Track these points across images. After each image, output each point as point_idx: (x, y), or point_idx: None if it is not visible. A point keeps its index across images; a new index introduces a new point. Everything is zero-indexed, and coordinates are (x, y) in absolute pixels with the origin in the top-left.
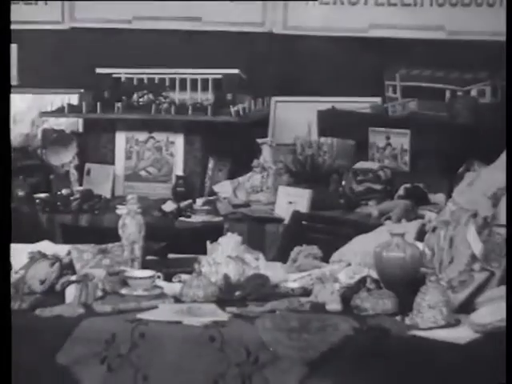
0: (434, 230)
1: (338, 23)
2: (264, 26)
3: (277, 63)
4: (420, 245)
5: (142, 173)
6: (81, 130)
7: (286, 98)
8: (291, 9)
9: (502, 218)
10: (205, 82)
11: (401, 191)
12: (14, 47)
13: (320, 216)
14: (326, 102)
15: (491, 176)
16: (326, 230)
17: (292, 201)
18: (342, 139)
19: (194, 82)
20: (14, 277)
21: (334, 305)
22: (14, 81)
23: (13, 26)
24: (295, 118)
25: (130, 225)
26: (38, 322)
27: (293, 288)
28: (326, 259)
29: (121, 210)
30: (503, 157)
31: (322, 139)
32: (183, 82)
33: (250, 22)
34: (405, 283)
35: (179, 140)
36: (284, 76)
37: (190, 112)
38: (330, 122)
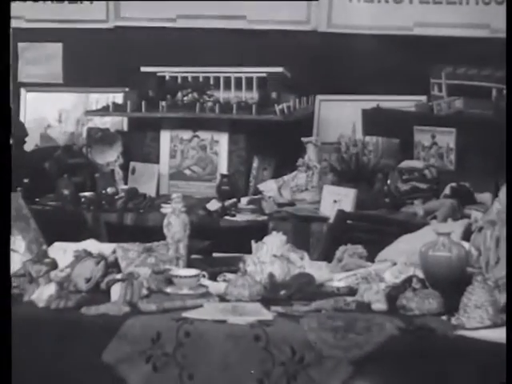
0: (480, 229)
1: (382, 21)
2: (309, 25)
3: (321, 61)
4: (466, 244)
5: (187, 171)
6: (125, 128)
7: (330, 97)
8: (336, 7)
9: None
10: (249, 80)
11: (447, 190)
12: (59, 46)
13: (365, 215)
14: (370, 101)
15: None
16: (371, 229)
17: (337, 200)
18: (387, 138)
19: (239, 80)
20: (59, 275)
21: (380, 304)
22: (59, 79)
23: (58, 25)
24: (340, 116)
25: (175, 223)
26: (83, 320)
27: (338, 287)
28: (371, 259)
29: (166, 208)
30: None
31: (367, 138)
32: (228, 80)
33: (294, 20)
34: (451, 283)
35: (224, 139)
36: (329, 74)
37: (234, 111)
38: (374, 121)
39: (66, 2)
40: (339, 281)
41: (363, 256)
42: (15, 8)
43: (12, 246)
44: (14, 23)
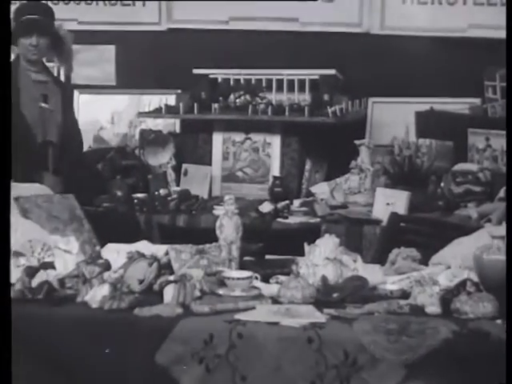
0: None
1: (436, 23)
2: (361, 27)
3: (374, 63)
4: None
5: (239, 173)
6: (178, 130)
7: (383, 99)
8: (389, 9)
9: None
10: (302, 82)
11: (501, 193)
12: (112, 48)
13: (418, 218)
14: (424, 103)
15: None
16: (424, 232)
17: (390, 202)
18: (441, 140)
19: (291, 82)
20: (112, 276)
21: (434, 308)
22: (112, 81)
23: (111, 27)
24: (393, 119)
25: (228, 225)
26: (136, 321)
27: (391, 290)
28: (424, 262)
29: (218, 210)
30: None
31: (421, 140)
32: (280, 82)
33: (346, 22)
34: (505, 286)
35: (276, 141)
36: (381, 76)
37: (286, 113)
38: (428, 123)
39: (119, 4)
40: (392, 284)
41: (417, 259)
42: (68, 10)
43: (65, 247)
44: (66, 25)
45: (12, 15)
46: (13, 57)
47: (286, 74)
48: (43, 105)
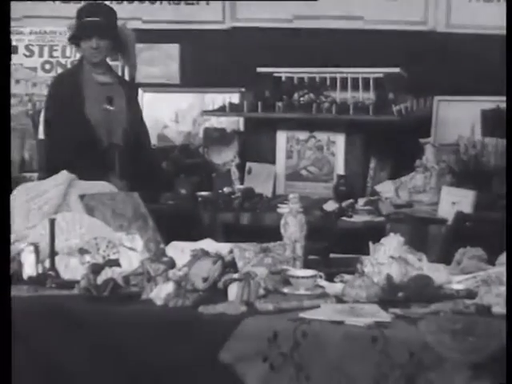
0: None
1: (502, 21)
2: (426, 25)
3: (439, 62)
4: None
5: (303, 172)
6: (242, 128)
7: (448, 98)
8: (454, 6)
9: None
10: (366, 81)
11: None
12: (176, 47)
13: (484, 217)
14: (490, 102)
15: None
16: (490, 231)
17: (455, 201)
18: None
19: (355, 81)
20: (177, 274)
21: (500, 308)
22: (176, 80)
23: (175, 26)
24: (458, 117)
25: (292, 224)
26: (200, 319)
27: (457, 290)
28: (491, 261)
29: (283, 208)
30: None
31: (487, 139)
32: (344, 81)
33: (412, 20)
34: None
35: (340, 139)
36: (447, 75)
37: (351, 111)
38: (494, 122)
39: (183, 3)
40: (458, 283)
41: (483, 259)
42: (133, 9)
43: (130, 245)
44: (131, 24)
45: (74, 17)
46: (76, 59)
47: (351, 72)
48: (108, 107)
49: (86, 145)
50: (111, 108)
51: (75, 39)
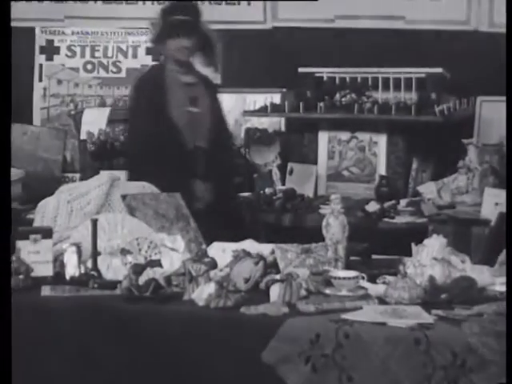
0: None
1: None
2: (469, 24)
3: (482, 62)
4: None
5: (345, 172)
6: (283, 129)
7: (491, 98)
8: (497, 6)
9: None
10: (408, 81)
11: None
12: (218, 47)
13: None
14: None
15: None
16: None
17: (499, 202)
18: None
19: (397, 81)
20: (218, 274)
21: None
22: (217, 80)
23: (216, 26)
24: (501, 117)
25: (334, 225)
26: (242, 319)
27: (501, 292)
28: None
29: (324, 209)
30: None
31: None
32: (386, 81)
33: (454, 20)
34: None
35: (382, 140)
36: (490, 75)
37: (393, 112)
38: None
39: (224, 4)
40: (502, 285)
41: None
42: (143, 10)
43: (172, 245)
44: None
45: (158, 16)
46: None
47: (392, 72)
48: (191, 109)
49: (170, 148)
50: (195, 110)
51: (161, 38)
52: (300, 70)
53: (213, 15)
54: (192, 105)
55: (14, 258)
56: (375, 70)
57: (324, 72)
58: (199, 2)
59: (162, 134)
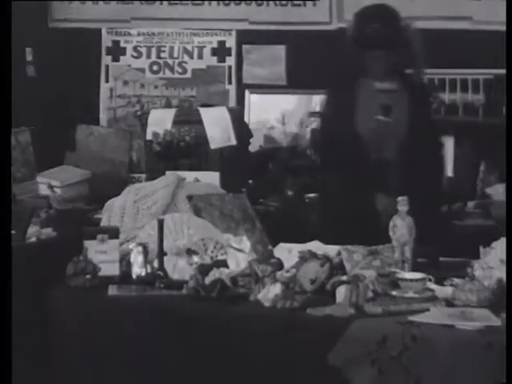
0: None
1: None
2: None
3: None
4: None
5: None
6: None
7: None
8: None
9: None
10: (475, 82)
11: None
12: (282, 48)
13: None
14: None
15: None
16: None
17: None
18: None
19: (464, 82)
20: (285, 275)
21: None
22: (282, 81)
23: (281, 27)
24: None
25: (401, 226)
26: (308, 320)
27: None
28: None
29: None
30: None
31: None
32: (453, 82)
33: None
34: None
35: (449, 141)
36: None
37: (460, 113)
38: None
39: (290, 4)
40: None
41: None
42: (239, 11)
43: (238, 246)
44: (237, 25)
45: (353, 22)
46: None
47: (459, 73)
48: (382, 118)
49: (353, 158)
50: (386, 119)
51: (357, 45)
52: None
53: (278, 16)
54: (384, 114)
55: (81, 257)
56: (442, 70)
57: None
58: (236, 4)
59: (347, 144)
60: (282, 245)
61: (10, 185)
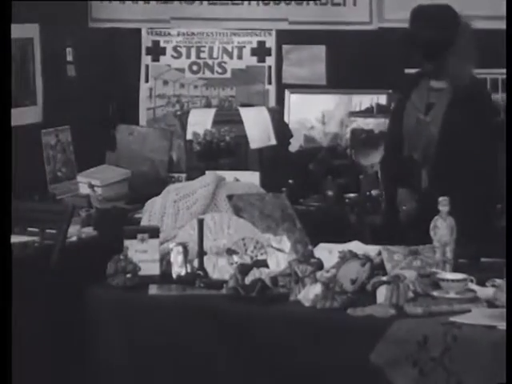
0: None
1: None
2: None
3: None
4: None
5: None
6: None
7: None
8: None
9: None
10: None
11: None
12: (322, 48)
13: None
14: None
15: None
16: None
17: None
18: None
19: None
20: (325, 276)
21: None
22: (322, 81)
23: (321, 27)
24: None
25: (442, 227)
26: (349, 321)
27: None
28: None
29: None
30: None
31: None
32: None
33: None
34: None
35: None
36: None
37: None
38: None
39: (330, 4)
40: None
41: None
42: (279, 11)
43: (278, 246)
44: (277, 25)
45: (411, 20)
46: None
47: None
48: (422, 117)
49: (388, 153)
50: (426, 119)
51: (414, 45)
52: (406, 70)
53: (318, 16)
54: (425, 112)
55: (121, 256)
56: (494, 70)
57: None
58: (275, 4)
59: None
60: (322, 245)
61: (10, 185)
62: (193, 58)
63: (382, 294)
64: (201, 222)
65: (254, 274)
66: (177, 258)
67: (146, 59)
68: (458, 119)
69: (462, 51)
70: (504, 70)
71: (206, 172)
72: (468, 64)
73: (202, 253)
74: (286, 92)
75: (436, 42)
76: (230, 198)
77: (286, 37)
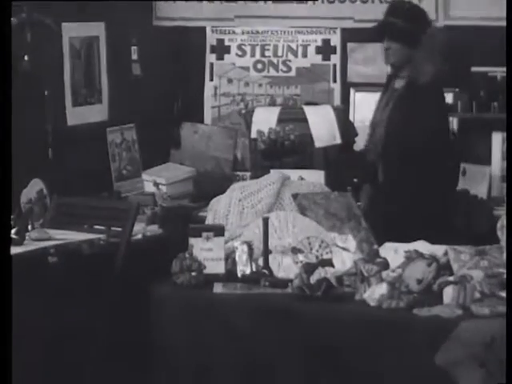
0: None
1: None
2: None
3: None
4: None
5: None
6: (456, 129)
7: None
8: None
9: None
10: None
11: None
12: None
13: None
14: None
15: None
16: None
17: None
18: None
19: None
20: (391, 275)
21: None
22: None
23: (355, 25)
24: None
25: None
26: (415, 321)
27: None
28: None
29: (498, 211)
30: None
31: None
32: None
33: None
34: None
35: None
36: None
37: None
38: None
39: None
40: None
41: None
42: (345, 9)
43: (343, 245)
44: (342, 23)
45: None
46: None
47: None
48: (380, 115)
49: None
50: (381, 118)
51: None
52: (473, 69)
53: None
54: (383, 111)
55: (186, 254)
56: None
57: (498, 71)
58: (340, 2)
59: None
60: (387, 244)
61: (10, 185)
62: (257, 56)
63: (448, 294)
64: (266, 221)
65: (320, 273)
66: (242, 257)
67: (211, 57)
68: (401, 117)
69: (428, 51)
70: (504, 69)
71: (271, 170)
72: (430, 64)
73: (266, 251)
74: (351, 90)
75: (405, 32)
76: (294, 196)
77: (351, 35)
